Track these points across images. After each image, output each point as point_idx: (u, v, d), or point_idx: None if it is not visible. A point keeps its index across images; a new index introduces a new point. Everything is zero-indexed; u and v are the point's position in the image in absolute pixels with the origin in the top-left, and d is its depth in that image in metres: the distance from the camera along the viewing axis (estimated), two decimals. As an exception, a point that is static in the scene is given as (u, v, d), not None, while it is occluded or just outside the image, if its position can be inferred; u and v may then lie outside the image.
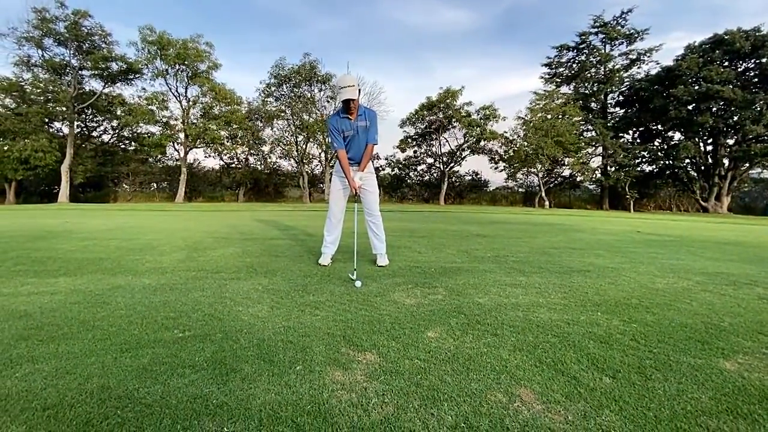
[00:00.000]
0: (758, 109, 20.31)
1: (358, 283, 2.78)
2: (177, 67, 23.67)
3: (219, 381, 1.40)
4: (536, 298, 2.52)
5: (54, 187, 24.98)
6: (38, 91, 22.39)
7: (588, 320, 2.11)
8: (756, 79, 21.20)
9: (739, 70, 21.75)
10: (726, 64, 21.89)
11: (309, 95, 26.18)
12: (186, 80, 24.59)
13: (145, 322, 1.98)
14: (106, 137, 27.70)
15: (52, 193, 25.14)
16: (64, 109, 22.54)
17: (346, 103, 3.23)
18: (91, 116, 25.97)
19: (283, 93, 26.53)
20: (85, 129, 26.47)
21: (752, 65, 21.54)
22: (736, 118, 21.32)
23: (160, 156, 27.65)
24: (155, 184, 29.94)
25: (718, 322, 2.11)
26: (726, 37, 21.40)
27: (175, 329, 1.90)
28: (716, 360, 1.63)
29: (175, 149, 26.48)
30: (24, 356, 1.57)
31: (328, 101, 26.02)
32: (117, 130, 27.02)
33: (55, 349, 1.65)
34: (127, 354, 1.61)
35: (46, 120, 23.37)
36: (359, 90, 3.30)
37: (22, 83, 22.09)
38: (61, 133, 24.16)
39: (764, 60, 20.24)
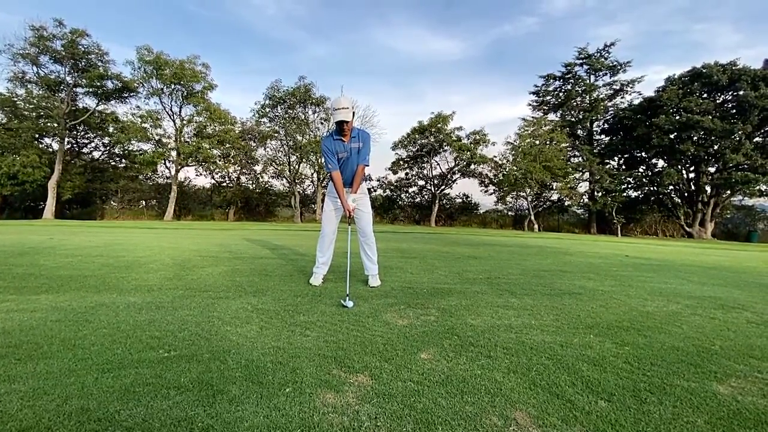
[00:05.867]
0: (737, 138, 21.09)
1: (349, 304, 2.74)
2: (172, 86, 23.82)
3: (205, 403, 1.35)
4: (529, 320, 2.51)
5: (40, 203, 24.47)
6: (31, 107, 22.27)
7: (581, 342, 2.10)
8: (734, 111, 22.08)
9: (717, 101, 22.67)
10: (705, 95, 22.83)
11: (303, 117, 26.48)
12: (181, 99, 24.70)
13: (129, 342, 1.92)
14: (96, 154, 27.47)
15: (37, 209, 24.58)
16: (56, 125, 22.38)
17: (340, 124, 3.27)
18: (82, 132, 25.80)
19: (277, 114, 26.80)
20: (75, 145, 26.24)
21: (730, 97, 22.49)
22: (716, 147, 22.09)
23: (150, 174, 27.42)
24: (144, 202, 29.54)
25: (709, 346, 2.12)
26: (704, 71, 22.43)
27: (161, 349, 1.84)
28: (710, 383, 1.63)
29: (167, 167, 26.33)
30: (0, 375, 1.50)
31: (321, 123, 26.34)
32: (108, 147, 26.84)
33: (33, 368, 1.58)
34: (108, 374, 1.55)
35: (37, 135, 23.14)
36: (353, 113, 3.34)
37: (15, 99, 21.96)
38: (51, 149, 23.89)
39: (741, 92, 21.16)
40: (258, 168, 28.82)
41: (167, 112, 24.91)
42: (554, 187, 26.32)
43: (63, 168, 23.01)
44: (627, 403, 1.44)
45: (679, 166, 24.06)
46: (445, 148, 27.87)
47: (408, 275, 4.09)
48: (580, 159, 27.00)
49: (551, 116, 29.44)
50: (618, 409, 1.39)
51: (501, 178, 26.41)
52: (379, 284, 3.49)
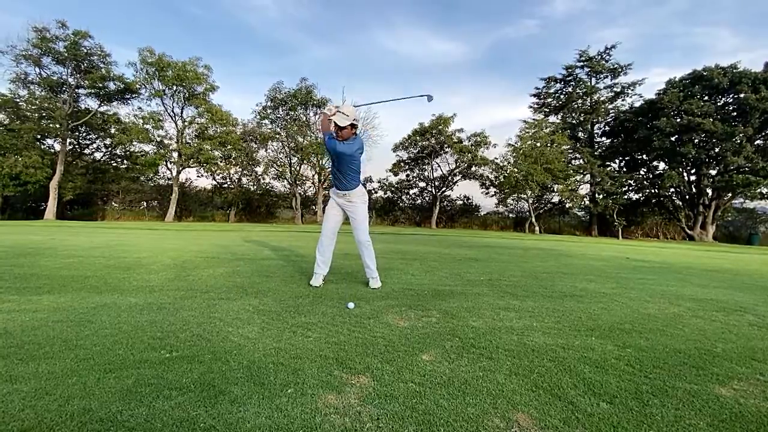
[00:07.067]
0: (738, 141, 21.05)
1: (350, 305, 2.75)
2: (174, 88, 23.87)
3: (207, 404, 1.35)
4: (530, 322, 2.51)
5: (41, 204, 24.50)
6: (33, 108, 22.33)
7: (582, 345, 2.10)
8: (735, 113, 22.07)
9: (718, 104, 22.66)
10: (705, 98, 22.81)
11: (304, 118, 26.53)
12: (182, 101, 24.75)
13: (130, 342, 1.92)
14: (98, 155, 27.53)
15: (38, 209, 24.61)
16: (58, 126, 22.45)
17: (335, 126, 3.29)
18: (84, 134, 25.88)
19: (278, 116, 26.86)
20: (77, 146, 26.31)
21: (731, 100, 22.46)
22: (717, 150, 22.05)
23: (152, 175, 27.45)
24: (145, 203, 29.58)
25: (711, 348, 2.11)
26: (705, 73, 22.42)
27: (162, 350, 1.84)
28: (711, 386, 1.63)
29: (168, 168, 26.37)
30: (2, 375, 1.50)
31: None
32: (110, 148, 26.90)
33: (35, 368, 1.58)
34: (110, 375, 1.55)
35: (39, 136, 23.21)
36: (353, 124, 3.32)
37: (17, 100, 22.04)
38: (53, 150, 23.95)
39: (742, 95, 21.15)
40: (259, 169, 28.84)
41: (169, 114, 24.98)
42: (555, 190, 26.29)
43: (65, 169, 23.07)
44: (629, 405, 1.44)
45: (680, 169, 24.03)
46: (446, 149, 27.89)
47: (409, 277, 4.09)
48: (581, 161, 26.98)
49: (552, 118, 29.46)
50: (620, 411, 1.39)
51: (502, 180, 26.39)
52: (379, 286, 3.49)
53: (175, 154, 24.88)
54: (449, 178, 29.08)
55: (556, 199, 28.16)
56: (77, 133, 25.24)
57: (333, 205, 3.62)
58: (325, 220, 3.62)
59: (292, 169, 27.33)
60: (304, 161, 26.63)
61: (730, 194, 23.07)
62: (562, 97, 29.05)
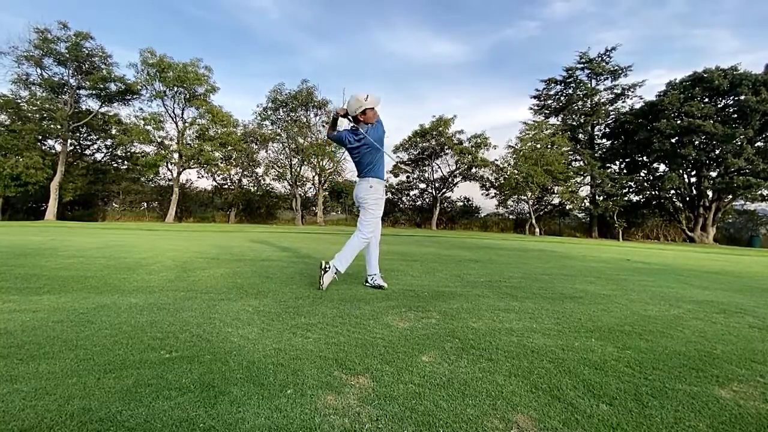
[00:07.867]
0: (738, 143, 21.05)
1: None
2: (175, 89, 23.94)
3: (207, 404, 1.35)
4: (530, 324, 2.51)
5: (41, 205, 24.55)
6: (34, 108, 22.40)
7: (582, 346, 2.10)
8: (735, 115, 22.07)
9: (718, 106, 22.66)
10: (706, 100, 22.82)
11: (305, 120, 26.59)
12: (183, 102, 24.81)
13: (130, 343, 1.92)
14: (98, 155, 27.61)
15: (39, 210, 24.65)
16: (59, 127, 22.52)
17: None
18: (85, 134, 25.95)
19: (279, 117, 26.92)
20: (78, 147, 26.38)
21: (731, 102, 22.47)
22: (717, 152, 22.05)
23: (152, 176, 27.50)
24: (145, 204, 29.63)
25: (711, 350, 2.11)
26: (705, 75, 22.43)
27: (162, 350, 1.84)
28: (711, 387, 1.63)
29: (168, 169, 26.42)
30: (2, 375, 1.50)
31: (323, 126, 26.44)
32: (110, 149, 26.96)
33: (35, 368, 1.58)
34: (110, 375, 1.55)
35: (40, 137, 23.27)
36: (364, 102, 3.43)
37: (19, 101, 22.10)
38: (54, 151, 24.01)
39: (742, 97, 21.16)
40: (259, 170, 28.93)
41: (170, 115, 25.05)
42: (555, 191, 26.30)
43: (65, 169, 23.13)
44: (628, 406, 1.44)
45: (681, 171, 24.02)
46: (447, 151, 27.94)
47: (409, 278, 4.09)
48: (582, 163, 26.97)
49: (552, 120, 29.47)
50: (619, 413, 1.39)
51: (502, 181, 26.41)
52: (382, 285, 3.48)
53: (175, 155, 24.93)
54: (449, 179, 29.13)
55: (556, 201, 28.17)
56: (78, 134, 25.32)
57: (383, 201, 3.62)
58: (377, 226, 3.57)
59: (293, 170, 27.37)
60: (305, 162, 26.66)
61: (730, 196, 23.06)
62: (562, 98, 29.07)
